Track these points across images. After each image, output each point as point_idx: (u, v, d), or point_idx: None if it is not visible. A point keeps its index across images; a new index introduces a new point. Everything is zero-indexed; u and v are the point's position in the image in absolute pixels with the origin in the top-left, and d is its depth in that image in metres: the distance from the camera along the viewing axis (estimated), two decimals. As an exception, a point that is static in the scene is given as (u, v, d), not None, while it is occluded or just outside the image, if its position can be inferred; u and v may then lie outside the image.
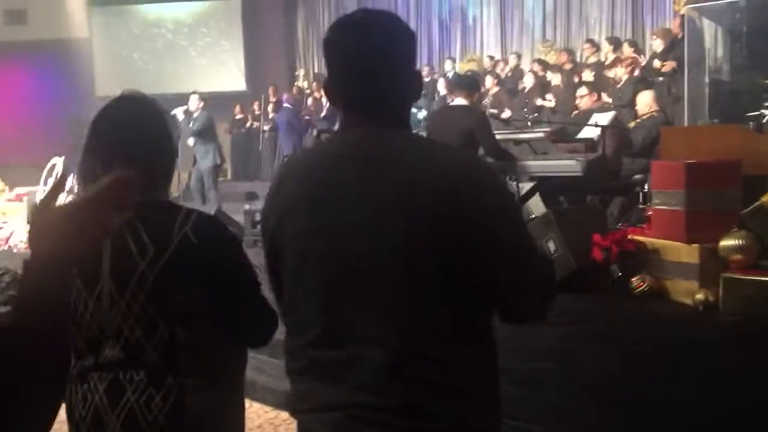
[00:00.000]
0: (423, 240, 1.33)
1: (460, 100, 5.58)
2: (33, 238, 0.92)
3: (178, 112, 9.01)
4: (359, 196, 1.37)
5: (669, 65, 8.14)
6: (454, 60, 12.59)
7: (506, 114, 10.12)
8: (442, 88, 10.94)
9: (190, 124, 8.85)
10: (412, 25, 13.74)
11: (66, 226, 0.90)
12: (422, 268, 1.34)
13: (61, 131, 13.52)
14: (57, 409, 0.97)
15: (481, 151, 5.87)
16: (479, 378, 1.43)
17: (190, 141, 9.13)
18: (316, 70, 15.03)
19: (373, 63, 1.42)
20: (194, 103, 8.81)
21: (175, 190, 12.29)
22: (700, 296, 3.95)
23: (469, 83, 5.71)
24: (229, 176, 14.54)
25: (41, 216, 0.91)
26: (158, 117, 1.76)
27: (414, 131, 1.76)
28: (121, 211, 0.95)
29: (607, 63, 9.58)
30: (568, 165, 5.39)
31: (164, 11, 15.35)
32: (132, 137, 1.67)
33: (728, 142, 4.42)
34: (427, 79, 12.20)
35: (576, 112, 7.32)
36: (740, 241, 3.91)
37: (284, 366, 1.50)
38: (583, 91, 6.65)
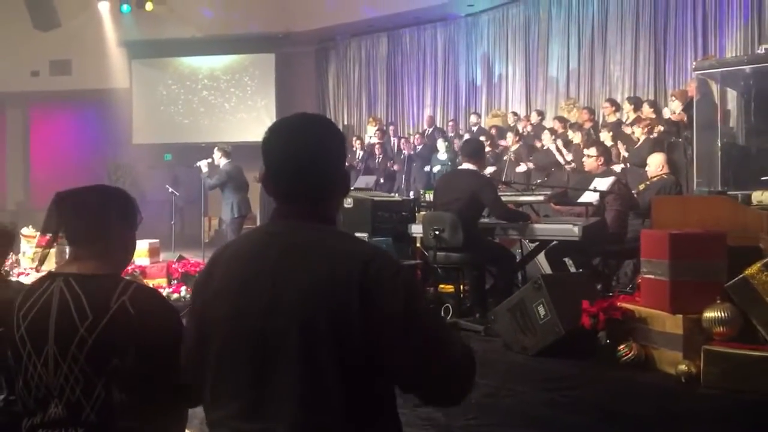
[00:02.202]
0: (324, 326, 1.46)
1: (467, 165, 5.77)
2: None
3: (203, 164, 9.31)
4: (274, 283, 1.51)
5: (679, 116, 8.22)
6: (479, 115, 12.78)
7: (522, 168, 10.25)
8: (464, 144, 11.10)
9: (209, 178, 9.14)
10: (440, 82, 14.08)
11: None
12: (323, 352, 1.46)
13: (99, 177, 14.02)
14: None
15: (485, 212, 5.99)
16: None
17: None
18: (345, 122, 15.36)
19: (301, 162, 1.58)
20: (216, 156, 9.10)
21: (206, 237, 12.62)
22: (683, 367, 3.94)
23: (474, 151, 5.90)
24: (258, 223, 14.83)
25: None
26: (118, 200, 1.98)
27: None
28: None
29: (627, 122, 9.66)
30: (566, 229, 5.46)
31: (201, 64, 15.92)
32: (78, 226, 1.91)
33: (717, 213, 4.45)
34: (451, 134, 12.44)
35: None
36: (723, 314, 3.91)
37: None
38: (592, 151, 6.73)
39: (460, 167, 6.12)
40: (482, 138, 11.00)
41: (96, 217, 1.91)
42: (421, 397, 1.58)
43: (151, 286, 2.67)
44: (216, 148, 9.27)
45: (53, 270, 1.93)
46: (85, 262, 1.88)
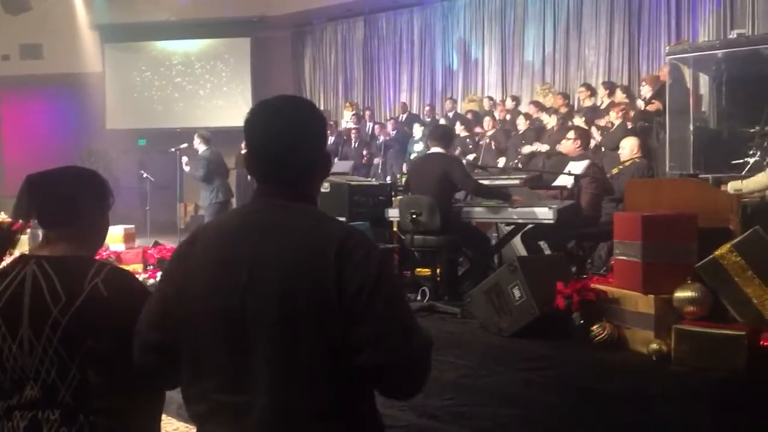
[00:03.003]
0: (299, 302, 1.49)
1: (436, 149, 5.82)
2: None
3: (185, 161, 9.31)
4: (251, 261, 1.54)
5: (655, 105, 8.30)
6: (455, 101, 12.80)
7: (501, 160, 10.29)
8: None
9: (194, 168, 9.12)
10: (416, 67, 14.07)
11: None
12: (303, 330, 1.49)
13: (72, 163, 13.76)
14: None
15: (460, 194, 6.03)
16: (363, 427, 1.58)
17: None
18: (322, 107, 15.31)
19: (282, 143, 1.60)
20: (196, 142, 9.06)
21: (181, 224, 12.54)
22: (654, 346, 4.02)
23: (442, 135, 5.97)
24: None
25: None
26: (90, 182, 1.97)
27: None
28: None
29: (602, 107, 9.74)
30: (541, 212, 5.51)
31: (175, 47, 15.75)
32: (50, 209, 1.90)
33: (688, 195, 4.52)
34: (428, 119, 12.45)
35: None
36: (693, 294, 3.99)
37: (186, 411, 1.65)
38: (570, 134, 6.80)
39: (428, 152, 6.18)
40: (458, 123, 11.10)
41: (68, 200, 1.90)
42: (378, 384, 1.57)
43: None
44: (196, 134, 9.21)
45: (26, 253, 1.93)
46: (58, 245, 1.88)
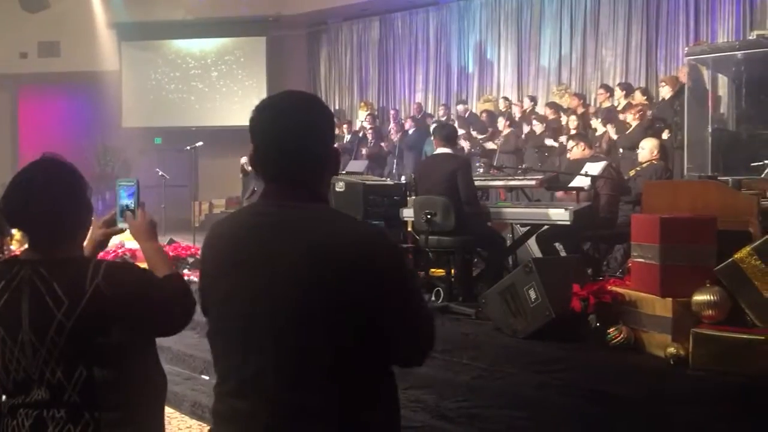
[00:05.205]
0: (315, 304, 1.47)
1: (443, 149, 5.79)
2: None
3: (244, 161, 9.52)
4: (264, 262, 1.52)
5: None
6: (465, 103, 12.77)
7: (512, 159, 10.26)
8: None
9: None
10: (431, 67, 14.03)
11: None
12: (312, 330, 1.47)
13: (88, 160, 13.94)
14: None
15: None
16: None
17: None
18: (337, 107, 15.32)
19: (288, 142, 1.57)
20: None
21: (196, 222, 12.57)
22: (671, 350, 3.97)
23: (448, 135, 5.92)
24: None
25: None
26: (64, 180, 1.92)
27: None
28: None
29: (619, 108, 9.68)
30: (557, 213, 5.47)
31: (191, 47, 15.82)
32: (32, 204, 1.86)
33: (707, 197, 4.46)
34: (443, 118, 12.41)
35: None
36: (712, 297, 3.93)
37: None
38: (571, 143, 6.77)
39: (435, 152, 6.12)
40: (470, 126, 11.09)
41: (44, 208, 1.86)
42: (394, 358, 1.61)
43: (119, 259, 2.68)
44: None
45: (17, 256, 1.91)
46: (48, 248, 1.87)
